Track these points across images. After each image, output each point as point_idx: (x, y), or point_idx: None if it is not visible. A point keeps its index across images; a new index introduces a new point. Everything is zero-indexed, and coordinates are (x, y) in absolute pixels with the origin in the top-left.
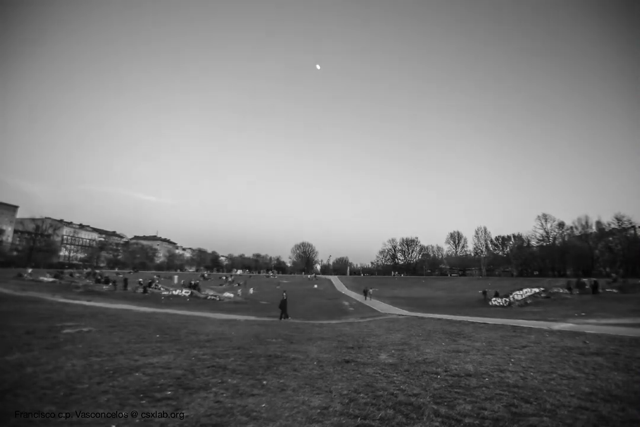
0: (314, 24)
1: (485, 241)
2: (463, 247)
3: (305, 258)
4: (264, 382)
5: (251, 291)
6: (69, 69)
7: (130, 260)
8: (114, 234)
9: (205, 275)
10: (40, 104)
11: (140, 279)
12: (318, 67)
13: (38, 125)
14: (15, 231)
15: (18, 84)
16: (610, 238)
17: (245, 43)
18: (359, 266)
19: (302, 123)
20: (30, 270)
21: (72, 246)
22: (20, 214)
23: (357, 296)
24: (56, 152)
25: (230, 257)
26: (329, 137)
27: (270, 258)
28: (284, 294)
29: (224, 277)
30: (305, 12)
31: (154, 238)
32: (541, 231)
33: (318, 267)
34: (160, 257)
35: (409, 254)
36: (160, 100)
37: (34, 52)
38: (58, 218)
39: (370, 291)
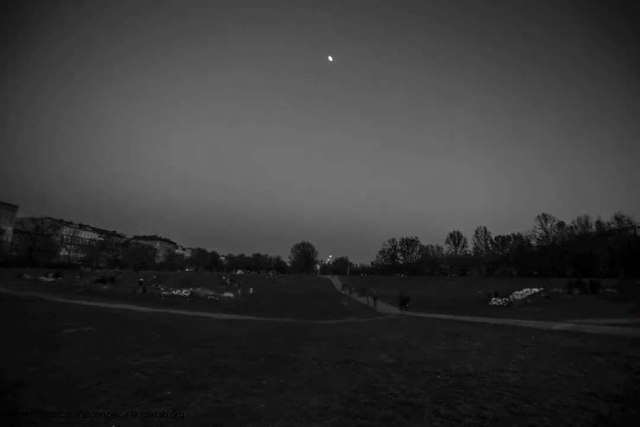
0: (325, 15)
1: (485, 241)
2: (463, 247)
3: (305, 258)
4: (264, 382)
5: (251, 290)
6: (75, 69)
7: (130, 260)
8: (114, 234)
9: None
10: (44, 103)
11: (141, 279)
12: (330, 59)
13: (40, 125)
14: (15, 231)
15: (18, 82)
16: (610, 238)
17: (257, 34)
18: (358, 265)
19: (307, 120)
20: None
21: (72, 246)
22: (20, 214)
23: (357, 296)
24: (57, 152)
25: (230, 257)
26: (332, 136)
27: (270, 258)
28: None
29: (223, 277)
30: (315, 5)
31: (154, 238)
32: (541, 231)
33: (318, 267)
34: (160, 257)
35: (409, 254)
36: (165, 99)
37: (47, 53)
38: (58, 218)
39: (375, 293)
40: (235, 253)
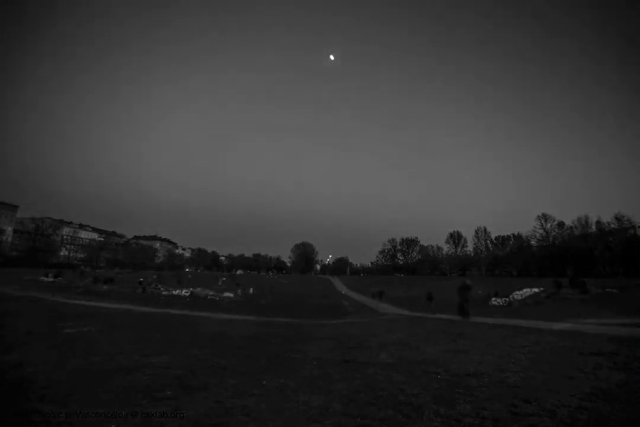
0: (326, 14)
1: (485, 241)
2: (463, 247)
3: (305, 258)
4: (264, 382)
5: (251, 290)
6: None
7: (130, 260)
8: (114, 234)
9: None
10: (43, 103)
11: (141, 279)
12: (332, 57)
13: (40, 125)
14: (15, 231)
15: (18, 82)
16: (610, 238)
17: (257, 34)
18: (358, 265)
19: (308, 119)
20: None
21: (72, 246)
22: (20, 214)
23: (357, 296)
24: (57, 152)
25: (230, 257)
26: (332, 136)
27: (270, 258)
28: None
29: (223, 278)
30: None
31: (154, 238)
32: (541, 231)
33: (318, 267)
34: (160, 257)
35: (409, 254)
36: (166, 97)
37: (48, 53)
38: (58, 218)
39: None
40: (235, 253)
